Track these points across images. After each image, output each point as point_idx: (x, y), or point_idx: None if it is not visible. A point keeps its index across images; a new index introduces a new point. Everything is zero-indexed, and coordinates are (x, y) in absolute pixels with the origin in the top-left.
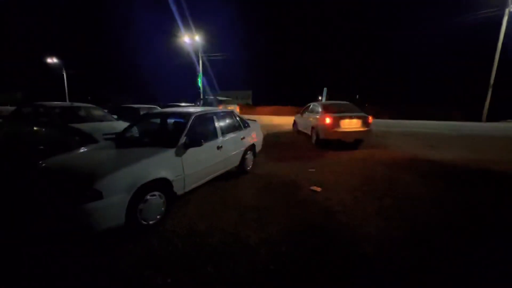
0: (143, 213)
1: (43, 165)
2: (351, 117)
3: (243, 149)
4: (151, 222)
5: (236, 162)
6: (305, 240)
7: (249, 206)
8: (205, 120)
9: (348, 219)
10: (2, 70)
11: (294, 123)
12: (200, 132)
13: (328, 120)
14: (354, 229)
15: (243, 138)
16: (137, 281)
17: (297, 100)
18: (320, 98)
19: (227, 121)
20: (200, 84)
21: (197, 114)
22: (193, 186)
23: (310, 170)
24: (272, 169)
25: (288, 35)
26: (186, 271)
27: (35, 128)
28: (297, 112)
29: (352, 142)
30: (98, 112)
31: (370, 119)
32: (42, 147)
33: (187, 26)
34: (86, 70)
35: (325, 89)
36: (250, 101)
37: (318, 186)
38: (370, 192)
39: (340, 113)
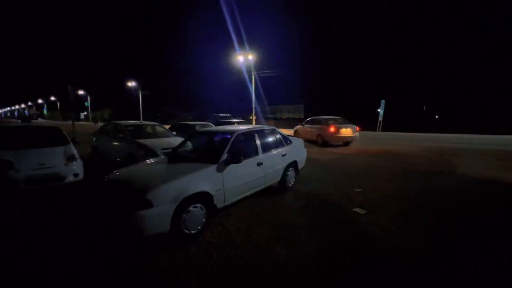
0: (186, 222)
1: (111, 176)
2: (346, 127)
3: (284, 165)
4: (192, 232)
5: (277, 178)
6: (338, 264)
7: (285, 223)
8: (247, 137)
9: (389, 245)
10: (97, 92)
11: (296, 132)
12: (241, 149)
13: (333, 129)
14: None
15: (285, 155)
16: (173, 284)
17: (349, 113)
18: (378, 110)
19: (269, 138)
20: (252, 100)
21: (239, 132)
22: (233, 200)
23: (356, 190)
24: (315, 186)
25: (341, 47)
26: (217, 280)
27: (114, 143)
28: (299, 124)
29: (344, 144)
30: (160, 129)
31: (357, 128)
32: (118, 159)
33: (242, 45)
34: (156, 90)
35: (383, 101)
36: (302, 115)
37: (361, 208)
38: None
39: (338, 124)
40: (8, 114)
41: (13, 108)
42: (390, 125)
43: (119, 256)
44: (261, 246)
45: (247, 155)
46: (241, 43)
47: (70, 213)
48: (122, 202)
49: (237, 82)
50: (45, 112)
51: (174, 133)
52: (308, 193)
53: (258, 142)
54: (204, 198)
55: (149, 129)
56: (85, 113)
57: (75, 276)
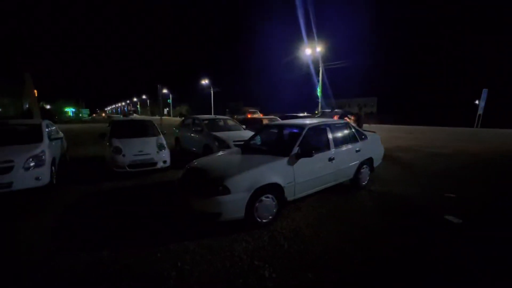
0: (258, 211)
1: (192, 165)
2: (349, 117)
3: (357, 162)
4: (264, 221)
5: (349, 175)
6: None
7: (358, 224)
8: (318, 131)
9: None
10: (176, 90)
11: None
12: (312, 143)
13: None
14: None
15: (359, 150)
16: (247, 267)
17: (433, 105)
18: (477, 102)
19: (342, 132)
20: (319, 94)
21: (311, 126)
22: (303, 194)
23: (448, 195)
24: (394, 187)
25: (420, 31)
26: (289, 270)
27: (192, 135)
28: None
29: None
30: (231, 123)
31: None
32: (194, 149)
33: (310, 37)
34: (225, 87)
35: (484, 90)
36: (375, 109)
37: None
38: None
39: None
40: (114, 111)
41: (116, 105)
42: (491, 120)
43: (201, 232)
44: (332, 244)
45: (318, 150)
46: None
47: (160, 193)
48: (203, 188)
49: (302, 77)
50: (138, 108)
51: (244, 126)
52: (385, 194)
53: (330, 136)
54: (275, 189)
55: (222, 123)
56: (167, 109)
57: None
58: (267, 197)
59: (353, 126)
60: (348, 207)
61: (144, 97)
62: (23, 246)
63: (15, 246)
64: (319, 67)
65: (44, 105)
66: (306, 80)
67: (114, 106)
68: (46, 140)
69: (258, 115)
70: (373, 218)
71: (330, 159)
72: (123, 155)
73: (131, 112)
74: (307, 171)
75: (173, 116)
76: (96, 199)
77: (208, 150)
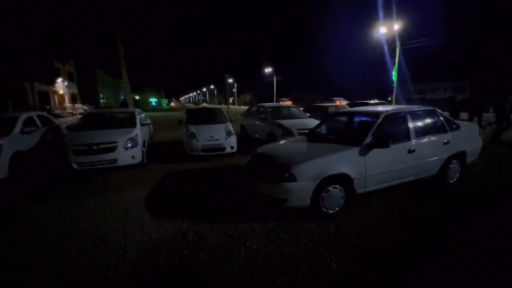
0: (324, 201)
1: (259, 151)
2: None
3: (445, 156)
4: (330, 211)
5: (433, 170)
6: None
7: (443, 229)
8: (397, 119)
9: None
10: (240, 79)
11: None
12: (389, 132)
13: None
14: None
15: (447, 142)
16: (313, 255)
17: None
18: None
19: (426, 121)
20: (395, 78)
21: (387, 113)
22: (375, 187)
23: None
24: (496, 190)
25: None
26: (358, 265)
27: (256, 122)
28: None
29: None
30: (295, 111)
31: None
32: (258, 136)
33: (385, 14)
34: (288, 75)
35: None
36: (468, 95)
37: None
38: None
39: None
40: (186, 101)
41: (188, 95)
42: None
43: (267, 215)
44: (410, 245)
45: (395, 140)
46: (385, 10)
47: (229, 176)
48: (270, 173)
49: (372, 61)
50: (207, 98)
51: (308, 114)
52: (481, 196)
53: (410, 125)
54: (344, 180)
55: (286, 111)
56: (232, 98)
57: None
58: (335, 188)
59: (441, 114)
60: (429, 207)
61: (212, 87)
62: (122, 213)
63: (115, 215)
64: (394, 47)
65: (134, 96)
66: (377, 64)
67: (186, 96)
68: (138, 125)
69: (341, 103)
70: (464, 225)
71: (410, 151)
72: (197, 140)
73: (201, 101)
74: (381, 163)
75: (238, 105)
76: (177, 176)
77: (272, 137)
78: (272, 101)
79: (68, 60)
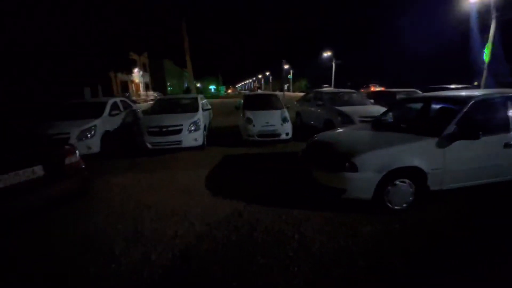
0: (389, 195)
1: (317, 138)
2: None
3: None
4: (396, 207)
5: None
6: None
7: None
8: (491, 106)
9: None
10: (296, 65)
11: None
12: (478, 121)
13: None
14: None
15: None
16: (372, 250)
17: None
18: None
19: None
20: (487, 58)
21: (478, 98)
22: (455, 185)
23: None
24: None
25: None
26: (427, 269)
27: (313, 109)
28: None
29: None
30: (357, 97)
31: None
32: (313, 123)
33: None
34: (348, 60)
35: None
36: None
37: None
38: None
39: None
40: (242, 88)
41: (244, 82)
42: None
43: (323, 204)
44: (486, 255)
45: (488, 131)
46: None
47: (284, 162)
48: (328, 162)
49: (452, 41)
50: (262, 84)
51: (372, 101)
52: None
53: (510, 113)
54: (415, 174)
55: (347, 97)
56: (287, 84)
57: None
58: (403, 182)
59: None
60: None
61: (267, 73)
62: (186, 189)
63: (180, 190)
64: (485, 20)
65: (196, 84)
66: (460, 43)
67: (243, 83)
68: (200, 110)
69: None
70: None
71: (507, 145)
72: (253, 125)
73: (256, 88)
74: (466, 158)
75: (293, 92)
76: (233, 160)
77: (329, 125)
78: (331, 86)
79: (143, 52)
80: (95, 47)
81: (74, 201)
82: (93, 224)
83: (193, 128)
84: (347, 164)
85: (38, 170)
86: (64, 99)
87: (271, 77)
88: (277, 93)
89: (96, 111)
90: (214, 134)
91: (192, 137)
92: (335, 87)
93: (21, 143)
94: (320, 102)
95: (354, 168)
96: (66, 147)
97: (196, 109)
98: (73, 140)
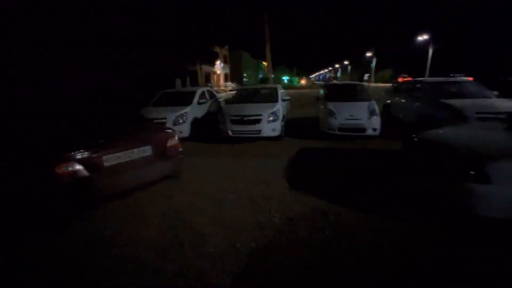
0: None
1: (423, 136)
2: None
3: None
4: None
5: None
6: None
7: None
8: None
9: None
10: (381, 53)
11: None
12: None
13: None
14: None
15: None
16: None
17: None
18: None
19: None
20: None
21: None
22: None
23: None
24: None
25: None
26: None
27: (409, 102)
28: None
29: None
30: (472, 87)
31: None
32: (404, 117)
33: None
34: (451, 44)
35: None
36: None
37: None
38: None
39: None
40: (317, 78)
41: (319, 72)
42: None
43: (425, 218)
44: None
45: None
46: None
47: (369, 161)
48: (443, 169)
49: None
50: (339, 75)
51: (495, 92)
52: None
53: None
54: None
55: (456, 87)
56: (367, 74)
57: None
58: None
59: None
60: None
61: (346, 62)
62: (264, 179)
63: (259, 179)
64: None
65: (271, 75)
66: None
67: (317, 73)
68: (279, 100)
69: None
70: None
71: None
72: (335, 118)
73: (331, 79)
74: None
75: (374, 83)
76: (312, 152)
77: (428, 121)
78: (423, 75)
79: (224, 45)
80: (186, 41)
81: (168, 179)
82: (180, 202)
83: (272, 118)
84: (473, 172)
85: (148, 150)
86: (159, 89)
87: (349, 67)
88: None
89: (187, 99)
90: (290, 125)
91: (271, 127)
92: (430, 76)
93: (134, 126)
94: (419, 94)
95: (484, 179)
96: (168, 131)
97: (275, 99)
98: (169, 125)
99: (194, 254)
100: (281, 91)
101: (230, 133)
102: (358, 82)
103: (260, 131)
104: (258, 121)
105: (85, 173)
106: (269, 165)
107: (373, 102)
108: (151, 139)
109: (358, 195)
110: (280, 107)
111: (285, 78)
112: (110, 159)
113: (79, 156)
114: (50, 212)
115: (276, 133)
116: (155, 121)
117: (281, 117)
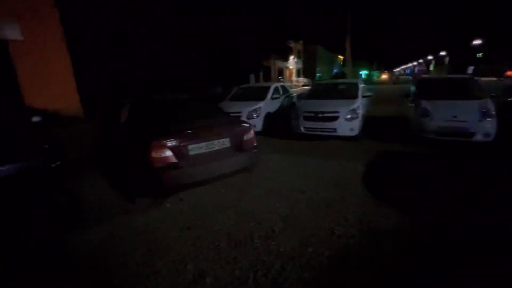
0: None
1: None
2: None
3: None
4: None
5: None
6: None
7: None
8: None
9: None
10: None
11: None
12: None
13: None
14: None
15: None
16: None
17: None
18: None
19: None
20: None
21: None
22: None
23: None
24: None
25: None
26: None
27: None
28: None
29: None
30: None
31: None
32: None
33: None
34: None
35: None
36: None
37: None
38: None
39: None
40: (401, 71)
41: (405, 66)
42: None
43: None
44: None
45: None
46: None
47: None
48: None
49: None
50: (431, 68)
51: None
52: None
53: None
54: None
55: None
56: (472, 67)
57: None
58: None
59: None
60: None
61: (442, 53)
62: (340, 182)
63: (335, 182)
64: None
65: (342, 69)
66: None
67: (403, 66)
68: (360, 97)
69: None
70: None
71: None
72: (431, 119)
73: (423, 71)
74: None
75: (481, 76)
76: (397, 158)
77: None
78: None
79: (299, 40)
80: (264, 37)
81: (242, 173)
82: (252, 197)
83: (350, 116)
84: None
85: (226, 142)
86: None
87: (447, 58)
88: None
89: (261, 94)
90: (369, 124)
91: (348, 126)
92: None
93: (215, 119)
94: None
95: None
96: (246, 125)
97: (355, 96)
98: (243, 118)
99: (265, 250)
100: (361, 86)
101: (302, 129)
102: (467, 76)
103: (335, 129)
104: (334, 119)
105: (174, 159)
106: (346, 167)
107: (489, 100)
108: (230, 132)
109: (461, 214)
110: (360, 104)
111: (363, 72)
112: (194, 149)
113: (170, 143)
114: (148, 190)
115: (354, 133)
116: (232, 114)
117: (361, 115)
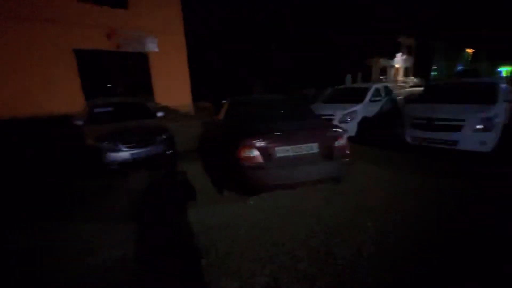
0: None
1: None
2: None
3: None
4: None
5: None
6: None
7: None
8: None
9: None
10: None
11: None
12: None
13: None
14: None
15: None
16: None
17: None
18: None
19: None
20: None
21: None
22: None
23: None
24: None
25: None
26: None
27: None
28: None
29: None
30: None
31: None
32: None
33: None
34: None
35: None
36: None
37: None
38: None
39: None
40: None
41: None
42: None
43: None
44: None
45: None
46: None
47: None
48: None
49: None
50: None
51: None
52: None
53: None
54: None
55: None
56: None
57: None
58: None
59: None
60: None
61: None
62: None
63: (453, 215)
64: None
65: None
66: None
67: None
68: (501, 101)
69: None
70: None
71: None
72: None
73: None
74: None
75: None
76: None
77: None
78: None
79: (411, 35)
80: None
81: (329, 182)
82: (339, 209)
83: (482, 126)
84: None
85: (315, 148)
86: (330, 86)
87: None
88: None
89: (359, 96)
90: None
91: (478, 139)
92: None
93: (305, 122)
94: None
95: None
96: (338, 130)
97: (491, 100)
98: (336, 122)
99: (349, 276)
100: (503, 87)
101: (408, 139)
102: None
103: (457, 142)
104: (456, 128)
105: (260, 160)
106: (470, 195)
107: None
108: (319, 136)
109: None
110: (500, 112)
111: (503, 69)
112: (281, 151)
113: (258, 144)
114: (234, 186)
115: (486, 148)
116: (323, 117)
117: (499, 126)
